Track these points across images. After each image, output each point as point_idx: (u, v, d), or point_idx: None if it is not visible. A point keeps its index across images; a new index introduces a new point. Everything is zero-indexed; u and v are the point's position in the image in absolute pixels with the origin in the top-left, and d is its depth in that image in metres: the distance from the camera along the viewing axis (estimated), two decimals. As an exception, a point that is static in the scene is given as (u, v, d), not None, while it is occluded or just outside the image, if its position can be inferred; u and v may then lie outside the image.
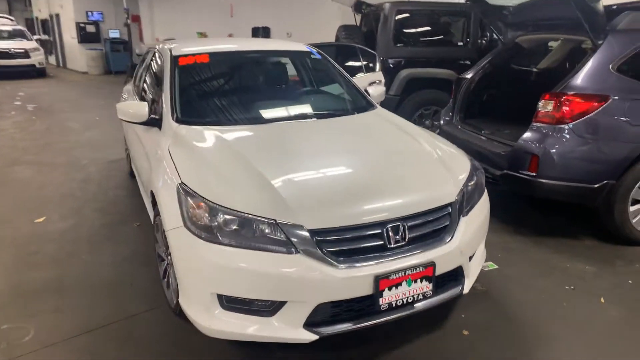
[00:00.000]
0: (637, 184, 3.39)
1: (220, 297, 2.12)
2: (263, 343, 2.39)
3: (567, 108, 3.30)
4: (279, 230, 2.05)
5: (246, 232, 2.07)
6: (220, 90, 3.41)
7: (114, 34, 17.83)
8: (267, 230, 2.06)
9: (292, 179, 2.31)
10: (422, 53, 6.10)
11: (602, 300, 2.82)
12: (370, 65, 5.36)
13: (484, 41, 6.23)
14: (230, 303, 2.12)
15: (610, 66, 3.34)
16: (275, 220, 2.06)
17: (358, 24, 7.20)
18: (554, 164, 3.33)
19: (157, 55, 3.83)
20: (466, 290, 2.42)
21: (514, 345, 2.42)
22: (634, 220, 3.47)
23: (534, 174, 3.39)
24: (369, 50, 5.48)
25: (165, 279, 2.72)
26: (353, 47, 5.38)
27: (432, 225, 2.26)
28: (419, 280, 2.17)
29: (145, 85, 3.89)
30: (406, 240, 2.16)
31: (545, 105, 3.37)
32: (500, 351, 2.37)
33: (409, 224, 2.18)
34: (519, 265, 3.21)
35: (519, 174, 3.46)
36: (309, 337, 2.08)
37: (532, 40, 4.46)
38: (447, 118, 4.73)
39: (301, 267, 2.02)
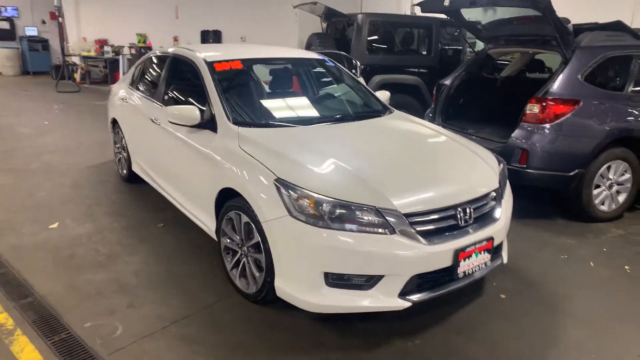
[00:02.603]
0: (599, 172, 4.17)
1: (327, 275, 2.42)
2: (345, 316, 2.72)
3: (549, 110, 3.98)
4: (379, 215, 2.41)
5: (350, 217, 2.40)
6: (261, 94, 3.65)
7: (31, 31, 16.56)
8: (368, 215, 2.40)
9: (370, 170, 2.67)
10: (391, 60, 6.69)
11: (592, 264, 3.51)
12: (353, 71, 5.80)
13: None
14: (335, 280, 2.43)
15: (579, 76, 4.09)
16: (375, 207, 2.41)
17: (324, 31, 7.62)
18: (540, 157, 4.01)
19: (175, 60, 3.96)
20: (505, 260, 2.95)
21: (542, 303, 2.98)
22: (596, 201, 4.26)
23: (524, 166, 4.05)
24: (351, 57, 5.93)
25: (237, 270, 2.94)
26: (339, 55, 5.79)
27: (487, 207, 2.75)
28: (482, 252, 2.65)
29: (166, 89, 3.97)
30: (472, 219, 2.63)
31: (532, 108, 4.04)
32: (536, 308, 2.92)
33: (473, 206, 2.65)
34: (518, 242, 3.81)
35: (511, 166, 4.08)
36: (403, 304, 2.46)
37: (502, 53, 5.18)
38: (428, 120, 5.31)
39: (399, 245, 2.39)
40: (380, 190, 2.48)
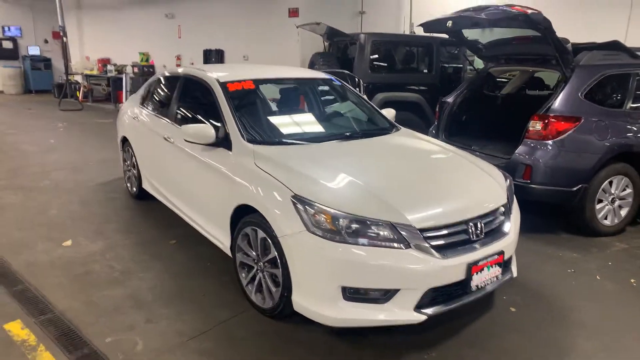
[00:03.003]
0: (601, 187, 4.27)
1: (344, 290, 2.49)
2: (360, 330, 2.77)
3: (551, 127, 4.09)
4: (395, 230, 2.48)
5: (366, 232, 2.48)
6: (272, 113, 3.75)
7: (33, 50, 16.75)
8: (384, 230, 2.48)
9: (383, 186, 2.76)
10: (393, 78, 6.84)
11: (598, 277, 3.58)
12: (357, 89, 5.93)
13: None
14: (351, 294, 2.50)
15: (579, 93, 4.21)
16: (391, 222, 2.49)
17: (326, 50, 7.78)
18: (543, 173, 4.11)
19: (188, 80, 4.06)
20: (515, 274, 3.02)
21: (552, 315, 3.05)
22: (599, 216, 4.35)
23: (528, 181, 4.14)
24: (354, 75, 6.07)
25: (253, 285, 2.99)
26: (343, 74, 5.92)
27: (497, 222, 2.84)
28: (494, 266, 2.72)
29: (179, 108, 4.06)
30: (483, 234, 2.70)
31: (534, 125, 4.15)
32: (546, 320, 2.99)
33: (483, 221, 2.73)
34: (525, 256, 3.87)
35: (515, 181, 4.16)
36: (419, 317, 2.52)
37: (502, 71, 5.33)
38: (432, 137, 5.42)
39: (414, 259, 2.47)
40: (394, 206, 2.57)
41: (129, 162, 5.12)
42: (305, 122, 3.81)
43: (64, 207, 4.90)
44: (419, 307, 2.53)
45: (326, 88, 4.29)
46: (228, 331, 2.83)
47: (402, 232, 2.48)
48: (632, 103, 4.42)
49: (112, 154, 7.22)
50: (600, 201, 4.33)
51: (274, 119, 3.70)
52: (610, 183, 4.33)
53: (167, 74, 4.64)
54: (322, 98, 4.25)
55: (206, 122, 3.59)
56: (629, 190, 4.43)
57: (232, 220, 3.13)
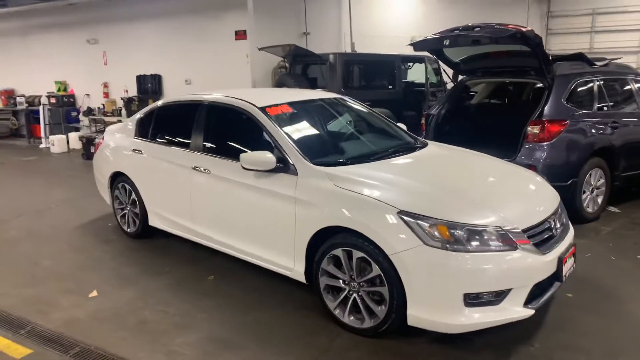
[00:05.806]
0: (585, 179, 4.87)
1: (465, 296, 2.60)
2: (459, 335, 2.87)
3: (546, 130, 4.60)
4: (504, 234, 2.66)
5: (481, 239, 2.63)
6: (318, 134, 3.75)
7: None
8: (495, 235, 2.65)
9: (475, 194, 2.97)
10: (363, 95, 7.09)
11: (613, 258, 4.08)
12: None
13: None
14: (471, 299, 2.61)
15: (562, 99, 4.79)
16: (500, 227, 2.67)
17: (288, 70, 7.87)
18: (545, 171, 4.58)
19: (212, 107, 3.91)
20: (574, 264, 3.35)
21: (603, 294, 3.42)
22: (584, 204, 4.94)
23: (533, 180, 4.58)
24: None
25: (345, 307, 2.97)
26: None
27: (562, 217, 3.15)
28: (571, 257, 3.02)
29: (207, 137, 3.88)
30: (560, 229, 2.99)
31: (532, 129, 4.63)
32: (603, 300, 3.35)
33: (556, 217, 3.02)
34: (544, 247, 4.29)
35: (521, 181, 4.60)
36: (529, 312, 2.71)
37: (477, 83, 5.84)
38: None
39: (524, 258, 2.67)
40: (498, 212, 2.75)
41: (123, 198, 4.71)
42: (349, 141, 3.87)
43: (58, 257, 4.37)
44: (526, 303, 2.72)
45: (349, 107, 4.35)
46: (339, 355, 2.78)
47: (511, 235, 2.67)
48: (598, 104, 5.11)
49: (69, 193, 6.59)
50: (583, 192, 4.93)
51: (324, 140, 3.71)
52: (590, 175, 4.95)
53: (175, 102, 4.39)
54: (350, 117, 4.30)
55: (243, 148, 3.52)
56: (602, 180, 5.10)
57: (309, 245, 3.09)
